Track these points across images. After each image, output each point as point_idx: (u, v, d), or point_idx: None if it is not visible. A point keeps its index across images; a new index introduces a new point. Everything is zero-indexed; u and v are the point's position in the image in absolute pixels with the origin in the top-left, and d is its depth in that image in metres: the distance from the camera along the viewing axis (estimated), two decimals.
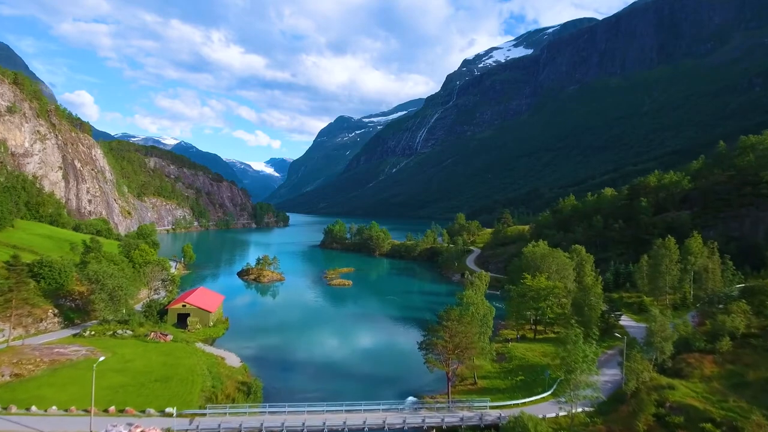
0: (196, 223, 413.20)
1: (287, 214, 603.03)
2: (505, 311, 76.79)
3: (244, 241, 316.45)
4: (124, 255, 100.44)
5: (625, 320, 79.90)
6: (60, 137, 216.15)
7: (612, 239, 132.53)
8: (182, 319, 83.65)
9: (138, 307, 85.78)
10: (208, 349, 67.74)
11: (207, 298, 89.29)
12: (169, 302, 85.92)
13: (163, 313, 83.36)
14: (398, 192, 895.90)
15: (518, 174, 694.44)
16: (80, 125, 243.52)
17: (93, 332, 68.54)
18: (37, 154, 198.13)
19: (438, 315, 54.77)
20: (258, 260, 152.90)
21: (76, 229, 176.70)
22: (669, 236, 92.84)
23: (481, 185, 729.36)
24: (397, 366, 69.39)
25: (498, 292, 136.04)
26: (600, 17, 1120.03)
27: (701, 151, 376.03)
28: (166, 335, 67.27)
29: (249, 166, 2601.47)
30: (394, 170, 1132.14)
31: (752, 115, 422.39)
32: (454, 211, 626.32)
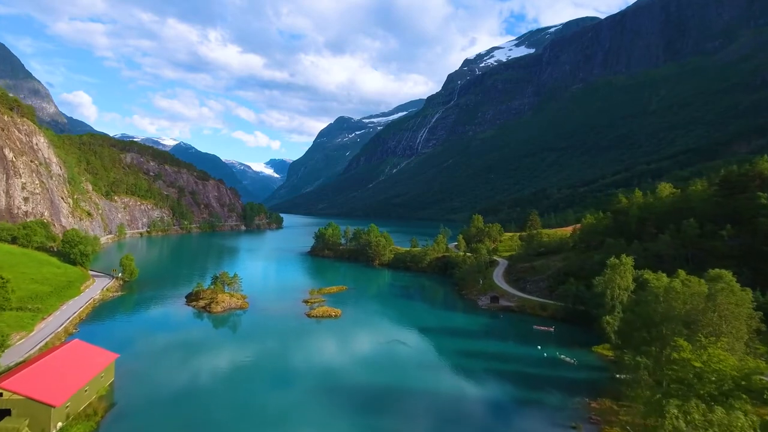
0: (176, 226, 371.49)
1: (283, 215, 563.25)
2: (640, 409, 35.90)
3: (226, 247, 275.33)
4: None
5: None
6: None
7: (714, 252, 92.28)
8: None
9: None
10: None
11: (63, 369, 47.95)
12: None
13: None
14: (399, 192, 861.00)
15: (522, 174, 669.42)
16: (17, 108, 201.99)
17: None
18: None
19: None
20: (214, 278, 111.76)
21: None
22: None
23: (484, 185, 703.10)
24: None
25: (552, 329, 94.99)
26: (601, 16, 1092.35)
27: (719, 149, 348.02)
28: None
29: (248, 167, 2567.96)
30: (394, 171, 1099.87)
31: (767, 113, 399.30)
32: (456, 212, 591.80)
